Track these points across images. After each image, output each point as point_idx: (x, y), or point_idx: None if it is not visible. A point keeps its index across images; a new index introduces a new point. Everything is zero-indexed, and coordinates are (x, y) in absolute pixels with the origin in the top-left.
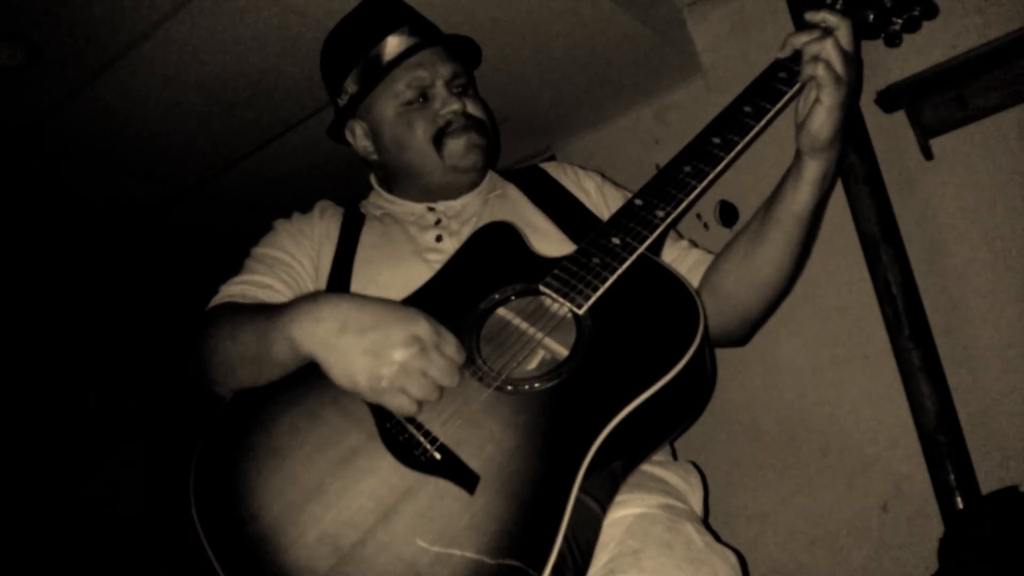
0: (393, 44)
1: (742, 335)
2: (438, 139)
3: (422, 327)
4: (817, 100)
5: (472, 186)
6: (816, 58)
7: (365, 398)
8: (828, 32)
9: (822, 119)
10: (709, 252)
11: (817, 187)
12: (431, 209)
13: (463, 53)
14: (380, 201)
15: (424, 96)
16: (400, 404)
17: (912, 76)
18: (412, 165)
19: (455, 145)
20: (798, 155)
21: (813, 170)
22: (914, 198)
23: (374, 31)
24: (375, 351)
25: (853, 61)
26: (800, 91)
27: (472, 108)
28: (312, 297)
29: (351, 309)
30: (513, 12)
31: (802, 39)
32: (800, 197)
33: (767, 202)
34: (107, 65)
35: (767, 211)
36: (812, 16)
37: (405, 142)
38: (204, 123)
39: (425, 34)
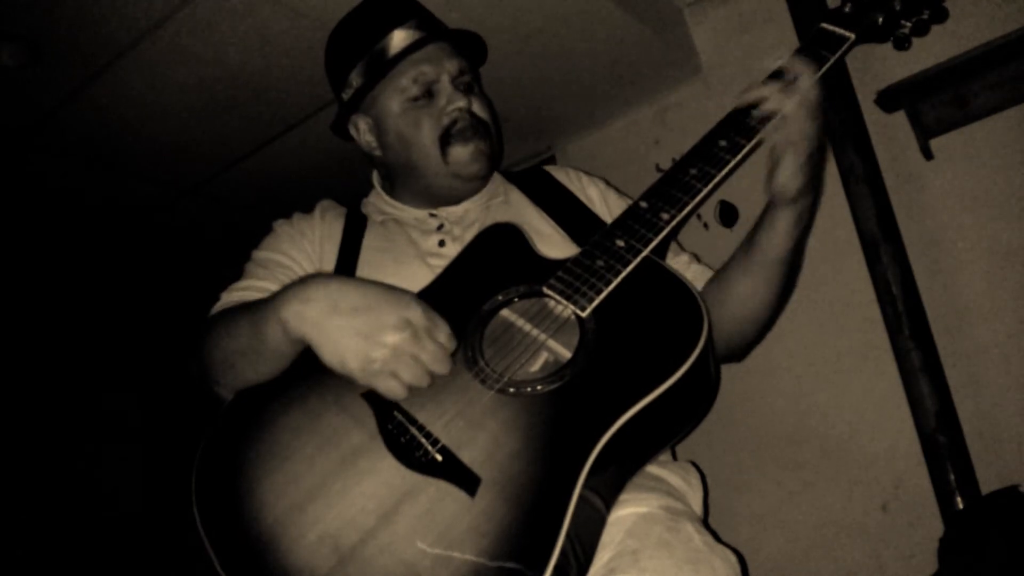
0: (399, 38)
1: (727, 356)
2: (444, 140)
3: (414, 311)
4: (784, 156)
5: (474, 191)
6: (780, 113)
7: (355, 380)
8: (793, 81)
9: (790, 174)
10: (708, 268)
11: (791, 234)
12: (433, 215)
13: (469, 49)
14: (382, 205)
15: (429, 92)
16: (390, 388)
17: (912, 76)
18: (415, 164)
19: (461, 152)
20: (769, 203)
21: (785, 220)
22: (914, 198)
23: (380, 25)
24: (366, 333)
25: (819, 110)
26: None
27: (477, 107)
28: (302, 279)
29: (341, 289)
30: (514, 12)
31: (765, 91)
32: (775, 242)
33: (745, 243)
34: (107, 65)
35: (746, 253)
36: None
37: (410, 139)
38: (204, 123)
39: (432, 29)
